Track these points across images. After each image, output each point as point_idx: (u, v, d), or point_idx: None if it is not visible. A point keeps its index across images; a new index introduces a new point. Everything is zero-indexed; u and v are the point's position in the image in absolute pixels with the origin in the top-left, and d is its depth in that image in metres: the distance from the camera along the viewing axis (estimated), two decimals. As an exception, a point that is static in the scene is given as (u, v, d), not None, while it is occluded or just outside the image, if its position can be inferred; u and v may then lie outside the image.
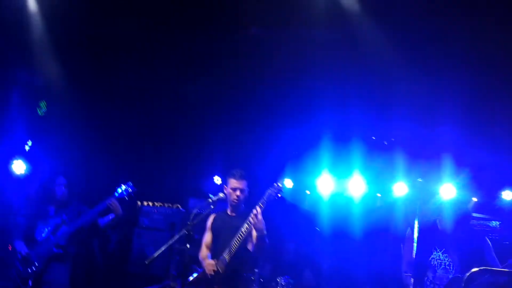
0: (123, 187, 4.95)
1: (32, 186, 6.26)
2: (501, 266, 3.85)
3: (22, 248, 4.71)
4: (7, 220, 5.99)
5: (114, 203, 4.77)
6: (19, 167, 6.66)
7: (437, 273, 4.00)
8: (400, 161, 6.61)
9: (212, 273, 4.14)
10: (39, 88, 7.18)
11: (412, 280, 3.96)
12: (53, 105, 7.20)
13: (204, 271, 4.27)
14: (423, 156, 6.50)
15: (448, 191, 6.13)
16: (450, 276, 3.85)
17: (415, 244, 3.87)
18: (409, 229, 4.11)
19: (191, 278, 4.36)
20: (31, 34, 6.42)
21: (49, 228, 4.80)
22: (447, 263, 3.97)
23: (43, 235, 4.79)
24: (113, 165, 7.31)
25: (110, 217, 4.86)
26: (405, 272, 4.08)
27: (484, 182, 6.21)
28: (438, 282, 3.94)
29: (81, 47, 6.74)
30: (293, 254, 6.22)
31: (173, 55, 6.90)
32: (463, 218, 4.00)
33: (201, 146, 7.58)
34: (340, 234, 6.25)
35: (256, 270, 5.32)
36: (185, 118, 7.48)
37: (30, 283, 4.61)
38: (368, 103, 6.42)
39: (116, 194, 4.90)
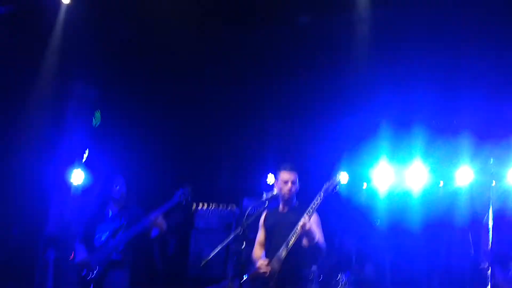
0: (180, 191, 4.90)
1: (91, 195, 6.44)
2: None
3: (82, 253, 4.79)
4: (69, 230, 6.19)
5: (158, 220, 4.69)
6: (78, 177, 6.85)
7: None
8: (465, 145, 6.20)
9: (267, 273, 4.01)
10: (94, 99, 7.39)
11: (489, 272, 3.63)
12: (108, 114, 7.39)
13: (258, 270, 4.15)
14: (489, 138, 6.08)
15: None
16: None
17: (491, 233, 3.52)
18: (485, 217, 3.78)
19: (245, 277, 4.25)
20: (82, 45, 6.61)
21: (108, 232, 4.85)
22: None
23: (103, 238, 4.84)
24: (168, 168, 7.42)
25: (156, 233, 4.82)
26: (483, 263, 3.74)
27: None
28: None
29: (130, 55, 6.88)
30: (353, 250, 6.01)
31: (222, 56, 6.90)
32: None
33: (253, 145, 7.52)
34: (400, 228, 5.95)
35: (314, 268, 5.19)
36: (236, 118, 7.45)
37: None
38: (430, 82, 6.05)
39: (174, 198, 4.85)
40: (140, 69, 7.02)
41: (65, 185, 6.78)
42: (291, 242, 3.96)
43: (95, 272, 4.69)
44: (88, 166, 6.98)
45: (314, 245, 3.96)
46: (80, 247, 4.87)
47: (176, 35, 6.58)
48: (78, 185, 6.85)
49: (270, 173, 7.41)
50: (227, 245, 6.21)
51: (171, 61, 6.95)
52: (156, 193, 6.86)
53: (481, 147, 5.89)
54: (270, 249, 4.19)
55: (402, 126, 6.48)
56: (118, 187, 4.96)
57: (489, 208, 3.50)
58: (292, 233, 3.97)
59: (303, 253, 4.08)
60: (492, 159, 3.65)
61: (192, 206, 6.96)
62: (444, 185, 6.39)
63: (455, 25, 5.61)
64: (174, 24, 6.44)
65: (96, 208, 5.08)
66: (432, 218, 5.95)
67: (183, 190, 4.82)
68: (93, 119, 7.31)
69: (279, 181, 4.25)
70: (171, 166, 7.48)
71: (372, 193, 6.67)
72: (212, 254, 3.82)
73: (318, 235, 4.02)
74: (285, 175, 4.22)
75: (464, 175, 6.06)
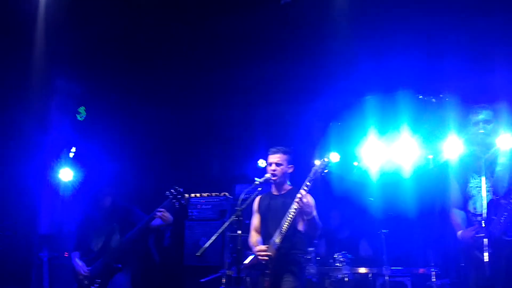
0: (172, 192, 4.75)
1: (80, 193, 6.37)
2: None
3: (82, 265, 4.68)
4: (62, 228, 6.12)
5: (165, 214, 4.56)
6: (66, 174, 6.77)
7: (477, 202, 3.61)
8: (452, 116, 6.19)
9: (265, 259, 4.00)
10: (79, 94, 7.28)
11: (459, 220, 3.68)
12: (94, 109, 7.28)
13: (256, 256, 4.14)
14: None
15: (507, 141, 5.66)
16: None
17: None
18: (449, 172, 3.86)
19: (244, 263, 4.24)
20: (65, 40, 6.48)
21: (103, 238, 4.75)
22: (488, 188, 3.53)
23: (98, 245, 4.74)
24: (157, 160, 7.36)
25: (159, 222, 4.70)
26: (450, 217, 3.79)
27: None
28: (480, 212, 3.55)
29: (114, 48, 6.76)
30: (348, 228, 6.03)
31: (206, 44, 6.80)
32: None
33: (242, 131, 7.48)
34: (393, 203, 5.96)
35: (311, 249, 5.20)
36: (223, 106, 7.39)
37: None
38: (414, 54, 6.01)
39: (166, 202, 4.71)
40: (124, 62, 6.91)
41: (54, 183, 6.69)
42: (284, 227, 3.95)
43: (96, 284, 4.62)
44: (76, 162, 6.89)
45: (311, 220, 3.95)
46: (75, 256, 4.78)
47: (159, 26, 6.48)
48: (68, 183, 6.76)
49: (261, 159, 7.39)
50: (223, 233, 6.26)
51: (156, 52, 6.85)
52: (148, 187, 6.84)
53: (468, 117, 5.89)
54: (265, 233, 4.19)
55: (389, 100, 6.46)
56: (105, 198, 4.86)
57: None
58: (286, 216, 3.96)
59: (298, 237, 4.08)
60: (482, 130, 3.62)
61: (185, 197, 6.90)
62: (434, 158, 6.40)
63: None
64: (156, 15, 6.35)
65: (88, 212, 4.98)
66: (423, 189, 5.97)
67: (175, 192, 4.61)
68: (78, 115, 7.21)
69: (267, 165, 4.27)
70: (160, 158, 7.42)
71: (364, 171, 6.67)
72: (208, 243, 3.77)
73: (315, 212, 4.02)
74: (269, 158, 4.27)
75: (453, 146, 6.06)
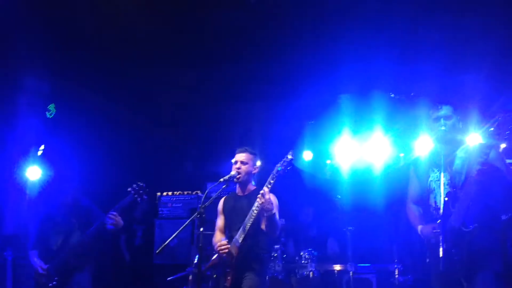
0: (134, 187, 4.69)
1: (47, 191, 6.25)
2: None
3: (40, 263, 4.61)
4: (27, 228, 5.99)
5: (116, 218, 4.50)
6: (34, 173, 6.65)
7: (437, 195, 3.62)
8: (423, 115, 6.24)
9: (225, 254, 3.97)
10: (48, 91, 7.16)
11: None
12: (63, 107, 7.17)
13: (218, 254, 4.10)
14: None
15: (475, 140, 5.72)
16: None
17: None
18: (411, 166, 3.89)
19: (208, 262, 4.21)
20: (33, 37, 6.37)
21: (62, 235, 4.68)
22: (447, 182, 3.56)
23: (58, 243, 4.67)
24: (130, 158, 7.27)
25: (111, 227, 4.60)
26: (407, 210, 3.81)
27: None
28: (439, 205, 3.57)
29: (83, 44, 6.66)
30: (316, 226, 6.03)
31: (179, 41, 6.73)
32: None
33: (215, 129, 7.43)
34: (362, 201, 5.98)
35: (276, 247, 5.18)
36: (196, 104, 7.33)
37: None
38: (388, 55, 6.04)
39: (128, 197, 4.65)
40: (94, 59, 6.80)
41: (21, 182, 6.56)
42: (248, 225, 3.94)
43: (54, 281, 4.54)
44: (45, 161, 6.77)
45: (271, 218, 3.93)
46: (34, 255, 4.69)
47: (130, 22, 6.39)
48: (35, 181, 6.63)
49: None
50: (192, 231, 6.21)
51: (125, 49, 6.75)
52: (119, 184, 6.73)
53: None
54: (230, 233, 4.19)
55: (362, 100, 6.48)
56: (68, 193, 4.81)
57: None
58: (249, 215, 3.95)
59: (261, 236, 4.07)
60: (444, 127, 3.64)
61: (155, 195, 6.85)
62: (405, 156, 6.44)
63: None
64: (126, 11, 6.27)
65: (48, 210, 4.89)
66: (392, 186, 5.99)
67: (137, 188, 4.61)
68: (47, 112, 7.09)
69: (233, 163, 4.29)
70: (132, 156, 7.33)
71: (336, 169, 6.68)
72: (168, 241, 3.79)
73: (276, 210, 3.99)
74: (235, 156, 4.31)
75: (423, 144, 6.10)
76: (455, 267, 3.34)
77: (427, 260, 3.61)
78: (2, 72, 6.47)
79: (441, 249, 3.28)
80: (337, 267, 5.18)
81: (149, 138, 7.46)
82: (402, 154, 6.48)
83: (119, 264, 6.46)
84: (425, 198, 3.72)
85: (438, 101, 3.83)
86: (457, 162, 3.59)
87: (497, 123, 3.35)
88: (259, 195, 3.88)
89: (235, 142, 7.12)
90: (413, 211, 3.80)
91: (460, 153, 3.62)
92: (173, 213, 6.65)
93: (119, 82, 7.02)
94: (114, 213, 4.51)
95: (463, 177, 3.50)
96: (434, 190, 3.68)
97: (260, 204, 3.87)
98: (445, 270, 3.28)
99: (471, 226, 3.36)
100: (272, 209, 3.91)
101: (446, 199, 3.49)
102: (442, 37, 5.79)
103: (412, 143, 6.38)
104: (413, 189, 3.85)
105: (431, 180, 3.71)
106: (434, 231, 3.45)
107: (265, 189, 3.89)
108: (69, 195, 4.81)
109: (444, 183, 3.54)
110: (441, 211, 3.49)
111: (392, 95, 6.68)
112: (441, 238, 3.29)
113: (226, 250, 4.00)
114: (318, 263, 5.20)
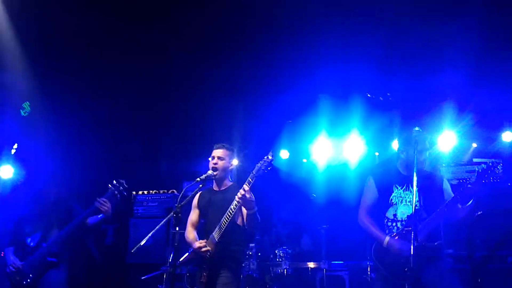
0: (114, 184, 4.68)
1: (23, 190, 6.14)
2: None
3: (14, 260, 4.53)
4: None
5: (104, 204, 4.50)
6: (7, 171, 6.54)
7: (398, 210, 3.83)
8: (398, 116, 6.33)
9: (206, 254, 3.95)
10: (23, 89, 7.04)
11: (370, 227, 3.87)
12: (38, 104, 7.07)
13: (193, 251, 4.07)
14: (422, 107, 6.24)
15: (448, 139, 5.82)
16: (413, 211, 3.61)
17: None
18: (369, 177, 4.01)
19: (181, 259, 4.17)
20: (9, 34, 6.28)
21: (39, 232, 4.61)
22: (408, 199, 3.78)
23: (35, 240, 4.59)
24: (105, 157, 7.19)
25: (99, 217, 4.61)
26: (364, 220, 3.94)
27: (485, 126, 5.91)
28: (400, 219, 3.81)
29: (60, 42, 6.58)
30: (290, 224, 6.04)
31: (157, 37, 6.68)
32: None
33: (192, 128, 7.39)
34: (337, 198, 6.01)
35: (252, 245, 5.17)
36: (173, 101, 7.28)
37: None
38: (364, 55, 6.10)
39: (108, 193, 4.62)
40: (70, 56, 6.72)
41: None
42: (224, 222, 3.91)
43: (29, 279, 4.46)
44: (18, 159, 6.66)
45: (252, 216, 3.91)
46: (9, 251, 4.61)
47: (106, 20, 6.33)
48: (7, 180, 6.52)
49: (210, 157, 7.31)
50: (167, 230, 6.16)
51: (101, 47, 6.69)
52: (94, 184, 6.66)
53: (412, 116, 6.05)
54: (205, 229, 4.14)
55: (340, 101, 6.53)
56: (46, 189, 4.75)
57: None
58: (227, 213, 3.93)
59: (238, 233, 4.04)
60: (417, 127, 3.76)
61: (130, 194, 6.78)
62: (380, 155, 6.51)
63: (391, 3, 5.67)
64: (104, 9, 6.21)
65: (24, 207, 4.81)
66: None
67: (117, 184, 4.58)
68: (22, 110, 6.98)
69: (210, 159, 4.26)
70: (109, 155, 7.26)
71: (312, 167, 6.71)
72: (143, 240, 3.72)
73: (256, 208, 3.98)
74: (212, 152, 4.27)
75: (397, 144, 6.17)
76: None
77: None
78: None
79: (412, 246, 3.36)
80: (311, 265, 5.20)
81: (125, 136, 7.38)
82: (377, 153, 6.54)
83: (91, 264, 6.37)
84: (381, 211, 3.87)
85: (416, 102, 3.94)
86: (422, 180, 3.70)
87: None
88: (239, 195, 3.85)
89: (212, 140, 7.07)
90: (371, 222, 3.91)
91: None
92: (149, 212, 6.58)
93: (95, 80, 6.95)
94: (104, 199, 4.47)
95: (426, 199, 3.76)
96: (395, 204, 3.87)
97: (238, 202, 3.86)
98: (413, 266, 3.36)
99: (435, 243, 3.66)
100: (254, 207, 3.89)
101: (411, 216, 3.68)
102: (420, 41, 5.89)
103: (387, 142, 6.45)
104: (370, 200, 3.98)
105: (394, 196, 3.89)
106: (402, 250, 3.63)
107: (245, 187, 3.85)
108: (51, 193, 4.75)
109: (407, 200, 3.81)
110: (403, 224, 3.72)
111: (369, 95, 6.76)
112: (412, 237, 3.36)
113: (207, 253, 3.96)
114: (292, 261, 5.22)
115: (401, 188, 3.88)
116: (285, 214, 6.17)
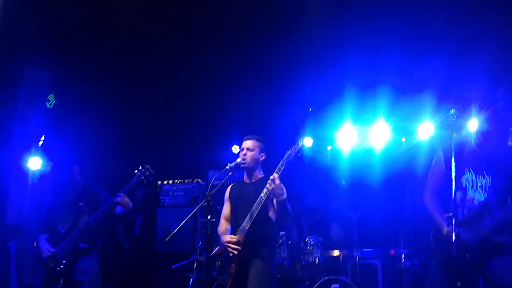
0: (140, 169, 4.75)
1: (50, 180, 6.22)
2: None
3: (47, 246, 4.65)
4: (30, 218, 5.99)
5: (124, 199, 4.56)
6: (35, 163, 6.63)
7: (467, 195, 3.53)
8: (427, 100, 6.20)
9: (234, 251, 3.93)
10: (47, 81, 7.11)
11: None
12: (63, 96, 7.13)
13: (223, 245, 4.07)
14: (451, 93, 6.11)
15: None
16: (482, 199, 3.44)
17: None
18: (439, 151, 3.67)
19: (213, 252, 4.18)
20: (30, 27, 6.31)
21: (70, 219, 4.71)
22: (480, 185, 3.49)
23: (66, 227, 4.70)
24: (130, 146, 7.25)
25: (122, 210, 4.70)
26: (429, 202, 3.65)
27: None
28: (467, 205, 3.50)
29: (82, 33, 6.60)
30: (320, 212, 6.01)
31: (179, 27, 6.67)
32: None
33: (215, 117, 7.38)
34: (364, 184, 5.96)
35: (282, 233, 5.16)
36: (197, 91, 7.27)
37: (61, 282, 4.54)
38: (394, 45, 5.99)
39: (134, 179, 4.69)
40: (93, 47, 6.75)
41: (22, 172, 6.54)
42: (255, 213, 3.90)
43: (62, 265, 4.55)
44: (45, 151, 6.75)
45: (282, 203, 3.88)
46: (42, 238, 4.72)
47: (129, 11, 6.33)
48: (36, 171, 6.62)
49: (235, 145, 7.32)
50: (195, 219, 6.20)
51: (126, 37, 6.69)
52: (119, 174, 6.72)
53: (442, 101, 5.92)
54: (236, 221, 4.14)
55: (366, 88, 6.44)
56: (74, 176, 4.84)
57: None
58: (257, 202, 3.91)
59: (268, 223, 4.03)
60: (453, 110, 3.55)
61: (156, 184, 6.84)
62: (406, 140, 6.42)
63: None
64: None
65: (55, 195, 4.91)
66: (395, 171, 5.98)
67: (143, 169, 4.68)
68: (47, 102, 7.05)
69: (239, 151, 4.25)
70: (133, 145, 7.31)
71: (336, 154, 6.66)
72: (177, 229, 3.71)
73: (285, 196, 3.96)
74: (242, 144, 4.24)
75: (426, 129, 6.08)
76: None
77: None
78: (2, 63, 6.41)
79: (453, 233, 3.21)
80: (343, 253, 5.16)
81: (149, 126, 7.42)
82: (404, 139, 6.45)
83: (120, 254, 6.44)
84: (449, 192, 3.46)
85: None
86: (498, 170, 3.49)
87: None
88: (269, 181, 3.84)
89: (236, 130, 7.08)
90: (435, 206, 3.64)
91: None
92: (175, 201, 6.63)
93: (119, 71, 6.98)
94: (122, 194, 4.55)
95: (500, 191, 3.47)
96: (465, 188, 3.57)
97: (269, 190, 3.84)
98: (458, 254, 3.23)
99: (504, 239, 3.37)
100: (283, 194, 3.87)
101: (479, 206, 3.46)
102: (448, 31, 5.75)
103: (414, 128, 6.36)
104: (438, 178, 3.67)
105: (465, 178, 3.60)
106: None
107: (275, 175, 3.85)
108: (80, 179, 4.84)
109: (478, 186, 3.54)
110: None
111: (396, 81, 6.64)
112: (453, 222, 3.22)
113: (235, 251, 3.94)
114: (323, 249, 5.18)
115: (473, 171, 3.56)
116: (313, 202, 6.13)
